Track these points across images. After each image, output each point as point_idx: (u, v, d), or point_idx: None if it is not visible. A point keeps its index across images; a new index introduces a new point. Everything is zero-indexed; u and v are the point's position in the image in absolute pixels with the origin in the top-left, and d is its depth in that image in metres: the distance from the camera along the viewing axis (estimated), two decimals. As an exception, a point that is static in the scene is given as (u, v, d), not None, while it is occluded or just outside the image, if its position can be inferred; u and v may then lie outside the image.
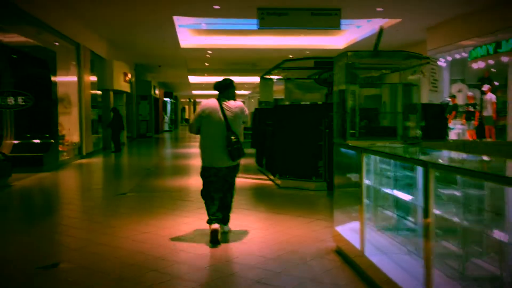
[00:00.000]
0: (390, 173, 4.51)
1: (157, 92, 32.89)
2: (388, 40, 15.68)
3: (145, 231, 5.98)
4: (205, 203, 5.59)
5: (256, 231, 5.99)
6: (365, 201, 4.39)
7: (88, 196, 9.15)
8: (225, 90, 5.54)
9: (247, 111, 5.73)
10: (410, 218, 4.27)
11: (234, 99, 5.67)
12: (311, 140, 9.07)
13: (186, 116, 64.27)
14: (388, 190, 4.39)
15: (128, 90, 22.38)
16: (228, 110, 5.43)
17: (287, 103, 18.00)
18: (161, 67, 27.30)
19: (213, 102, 5.47)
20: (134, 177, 11.54)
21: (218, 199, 5.54)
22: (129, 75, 22.08)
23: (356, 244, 4.45)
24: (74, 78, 15.44)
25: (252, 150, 13.82)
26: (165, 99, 39.78)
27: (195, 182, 10.33)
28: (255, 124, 12.61)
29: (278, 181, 9.61)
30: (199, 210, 7.22)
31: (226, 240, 5.57)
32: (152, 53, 22.58)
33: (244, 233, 5.93)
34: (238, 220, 6.50)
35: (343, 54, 4.96)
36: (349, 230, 5.01)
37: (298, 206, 7.63)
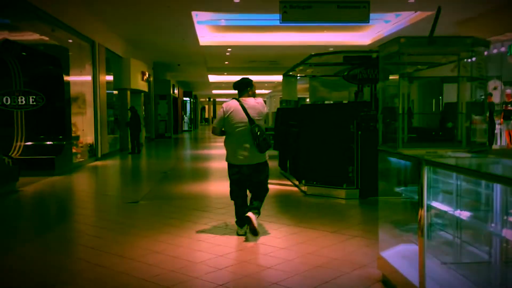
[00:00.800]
0: (451, 187, 3.60)
1: (176, 91, 32.23)
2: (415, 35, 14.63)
3: (156, 250, 5.14)
4: (234, 203, 5.78)
5: (281, 252, 5.11)
6: (426, 226, 3.46)
7: (97, 204, 8.38)
8: (245, 88, 5.61)
9: (266, 108, 5.75)
10: (480, 246, 3.36)
11: (254, 97, 5.69)
12: (340, 143, 8.15)
13: (206, 116, 63.70)
14: (449, 210, 3.48)
15: (146, 89, 21.69)
16: (249, 107, 5.46)
17: (307, 101, 16.99)
18: (180, 65, 26.58)
19: (234, 102, 5.53)
20: (149, 182, 10.76)
21: (244, 201, 5.70)
22: (147, 74, 21.38)
23: (412, 277, 3.54)
24: (89, 77, 14.75)
25: (274, 152, 12.94)
26: (185, 98, 39.13)
27: (215, 188, 9.50)
28: (277, 125, 11.72)
29: (304, 188, 8.72)
30: (218, 223, 6.37)
31: (246, 258, 4.70)
32: (171, 51, 21.85)
33: (266, 253, 5.05)
34: (260, 234, 5.63)
35: (393, 40, 4.04)
36: (398, 257, 4.10)
37: (329, 218, 6.72)
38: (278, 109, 11.69)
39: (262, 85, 38.88)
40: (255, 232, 5.38)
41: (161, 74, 27.58)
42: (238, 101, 5.52)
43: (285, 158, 10.74)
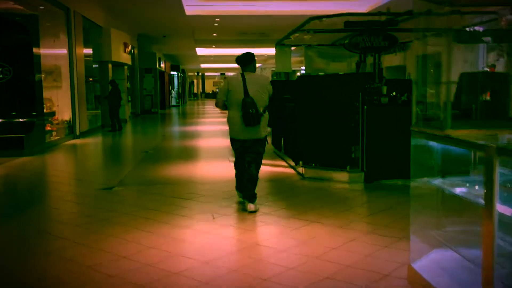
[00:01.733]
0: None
1: (162, 65, 30.84)
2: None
3: (123, 255, 4.11)
4: (236, 173, 5.87)
5: (280, 256, 4.10)
6: (495, 241, 2.43)
7: (64, 191, 7.25)
8: (248, 63, 5.56)
9: (270, 84, 5.71)
10: None
11: (254, 72, 5.69)
12: (344, 120, 7.10)
13: (195, 91, 62.26)
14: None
15: (129, 62, 20.39)
16: (251, 82, 5.42)
17: (298, 75, 15.83)
18: (166, 37, 25.16)
19: (237, 76, 5.49)
20: (128, 163, 9.68)
21: (245, 177, 5.65)
22: (130, 46, 20.04)
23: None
24: (64, 48, 13.46)
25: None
26: (172, 72, 37.71)
27: (201, 170, 8.45)
28: (270, 99, 10.59)
29: (302, 170, 7.71)
30: (204, 215, 5.33)
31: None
32: (156, 22, 20.46)
33: (262, 258, 4.04)
34: (251, 229, 4.63)
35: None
36: (435, 268, 3.11)
37: (333, 207, 5.72)
38: (270, 82, 10.55)
39: (252, 58, 37.57)
40: (254, 212, 5.47)
41: (146, 46, 26.17)
42: (242, 75, 5.47)
43: (280, 136, 9.69)
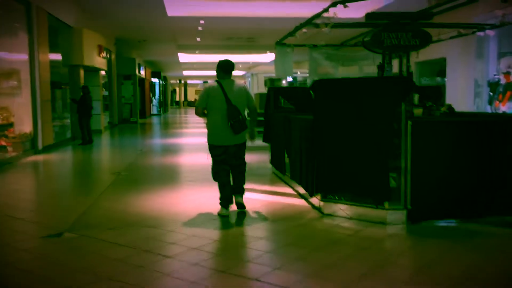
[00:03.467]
0: None
1: (142, 72, 28.70)
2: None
3: None
4: (218, 184, 5.61)
5: None
6: None
7: None
8: (231, 71, 5.56)
9: (249, 90, 5.64)
10: None
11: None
12: (380, 138, 5.17)
13: (177, 99, 60.04)
14: None
15: (104, 67, 18.23)
16: (230, 89, 5.42)
17: (289, 82, 13.83)
18: (146, 42, 23.08)
19: (215, 84, 5.46)
20: (93, 190, 7.58)
21: (228, 182, 5.60)
22: (105, 50, 17.89)
23: None
24: (25, 50, 11.32)
25: (258, 144, 9.96)
26: (153, 79, 35.54)
27: (186, 200, 6.40)
28: (268, 110, 8.67)
29: (319, 203, 5.75)
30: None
31: None
32: (135, 24, 18.42)
33: None
34: None
35: None
36: None
37: (381, 274, 3.76)
38: (269, 89, 8.62)
39: (236, 65, 35.70)
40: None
41: (125, 51, 24.04)
42: (219, 82, 5.47)
43: (281, 155, 7.72)
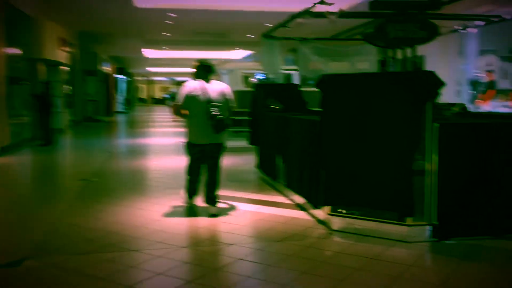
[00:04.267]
0: None
1: (107, 67, 27.31)
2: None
3: None
4: (189, 180, 5.65)
5: None
6: None
7: None
8: (210, 71, 5.52)
9: (230, 91, 5.59)
10: None
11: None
12: (401, 143, 4.41)
13: (142, 96, 58.33)
14: None
15: (66, 61, 16.94)
16: (211, 89, 5.41)
17: (269, 78, 13.08)
18: (112, 36, 21.77)
19: (195, 83, 5.45)
20: (57, 202, 6.55)
21: (198, 180, 5.66)
22: (68, 43, 16.62)
23: None
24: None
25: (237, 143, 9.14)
26: (118, 76, 34.06)
27: (167, 220, 5.47)
28: (256, 109, 7.85)
29: (326, 218, 4.97)
30: None
31: None
32: (100, 17, 17.18)
33: None
34: None
35: None
36: None
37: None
38: (257, 86, 7.81)
39: (205, 62, 34.52)
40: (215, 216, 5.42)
41: (89, 46, 22.64)
42: (200, 82, 5.43)
43: (273, 160, 6.90)
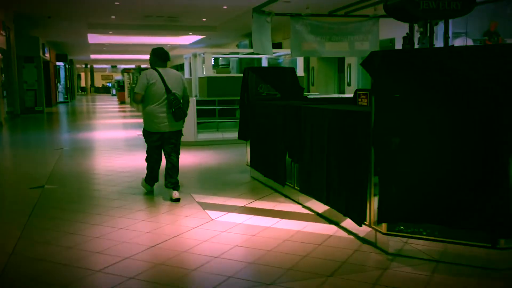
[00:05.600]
0: None
1: (47, 54, 24.86)
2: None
3: None
4: (148, 166, 5.72)
5: None
6: None
7: None
8: (165, 59, 5.57)
9: (185, 80, 5.70)
10: None
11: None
12: (494, 141, 3.31)
13: (83, 85, 55.04)
14: None
15: (3, 46, 14.82)
16: (168, 77, 5.45)
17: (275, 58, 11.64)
18: (51, 18, 19.54)
19: (154, 72, 5.45)
20: (8, 222, 5.01)
21: (158, 166, 5.72)
22: (2, 29, 14.48)
23: None
24: None
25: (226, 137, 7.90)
26: (58, 63, 31.40)
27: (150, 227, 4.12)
28: (246, 97, 6.57)
29: (372, 236, 3.82)
30: None
31: None
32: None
33: None
34: None
35: None
36: None
37: None
38: (246, 69, 6.51)
39: (150, 48, 32.54)
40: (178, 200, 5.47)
41: (26, 29, 20.29)
42: (157, 70, 5.45)
43: (276, 158, 5.67)
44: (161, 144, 5.55)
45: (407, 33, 5.56)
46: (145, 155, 5.75)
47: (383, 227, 3.72)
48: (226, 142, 10.12)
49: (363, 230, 3.99)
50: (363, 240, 4.00)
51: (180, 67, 34.31)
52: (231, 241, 4.07)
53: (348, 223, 4.20)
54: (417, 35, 6.13)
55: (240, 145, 9.21)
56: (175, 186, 5.51)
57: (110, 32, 24.67)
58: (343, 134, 4.14)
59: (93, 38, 27.01)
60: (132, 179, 6.75)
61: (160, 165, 5.68)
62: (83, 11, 18.11)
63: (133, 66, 40.55)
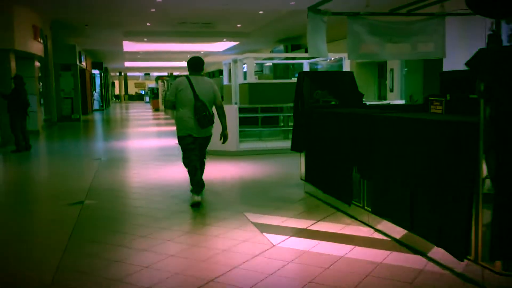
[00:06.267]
0: None
1: (83, 62, 24.85)
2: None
3: None
4: (189, 171, 5.62)
5: None
6: None
7: None
8: (200, 68, 5.70)
9: (216, 87, 5.76)
10: None
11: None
12: None
13: (117, 92, 55.51)
14: None
15: (41, 53, 14.63)
16: (198, 85, 5.54)
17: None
18: (88, 27, 19.40)
19: (184, 79, 5.60)
20: (43, 244, 4.50)
21: (199, 167, 5.65)
22: (40, 35, 14.29)
23: None
24: None
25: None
26: (93, 71, 31.52)
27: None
28: (302, 104, 5.92)
29: (472, 272, 3.11)
30: None
31: None
32: (76, 3, 14.91)
33: None
34: None
35: None
36: None
37: None
38: (301, 74, 5.87)
39: (185, 56, 32.39)
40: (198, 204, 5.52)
41: (63, 38, 20.23)
42: (188, 78, 5.58)
43: (340, 174, 5.00)
44: (195, 148, 5.58)
45: (492, 31, 4.83)
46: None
47: (496, 265, 3.01)
48: (269, 152, 9.50)
49: (460, 264, 3.28)
50: (463, 277, 3.29)
51: (211, 75, 33.95)
52: (302, 275, 3.43)
53: (439, 253, 3.50)
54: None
55: (285, 155, 8.59)
56: (201, 188, 5.59)
57: (145, 39, 24.51)
58: (437, 148, 3.44)
59: (128, 46, 26.92)
60: (177, 193, 6.20)
61: (198, 167, 5.59)
62: (120, 18, 17.87)
63: (165, 73, 40.53)
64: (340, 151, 4.95)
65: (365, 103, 6.26)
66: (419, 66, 13.57)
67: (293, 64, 18.19)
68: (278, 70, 20.19)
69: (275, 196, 5.99)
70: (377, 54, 6.49)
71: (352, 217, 4.86)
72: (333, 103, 5.96)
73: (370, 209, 4.50)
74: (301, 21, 15.28)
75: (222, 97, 14.18)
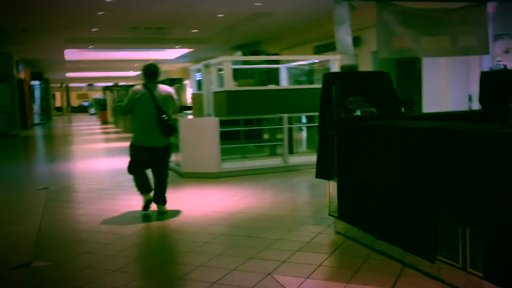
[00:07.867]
0: None
1: (21, 72, 22.20)
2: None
3: None
4: (134, 178, 5.64)
5: None
6: None
7: None
8: (154, 75, 5.57)
9: (176, 95, 5.71)
10: None
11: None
12: None
13: (58, 105, 51.83)
14: None
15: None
16: (157, 93, 5.47)
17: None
18: (26, 32, 17.01)
19: (143, 88, 5.50)
20: None
21: (144, 174, 5.61)
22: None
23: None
24: None
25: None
26: (33, 82, 28.61)
27: None
28: (330, 116, 4.38)
29: None
30: None
31: None
32: (13, 5, 12.73)
33: None
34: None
35: None
36: None
37: None
38: (328, 76, 4.35)
39: (131, 65, 30.22)
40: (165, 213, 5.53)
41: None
42: (148, 87, 5.47)
43: (403, 212, 3.49)
44: (147, 160, 5.49)
45: None
46: None
47: None
48: (258, 172, 7.88)
49: None
50: None
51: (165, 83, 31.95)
52: None
53: None
54: None
55: (278, 176, 7.07)
56: (163, 201, 5.54)
57: (91, 46, 22.28)
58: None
59: (70, 55, 24.52)
60: (169, 242, 4.46)
61: (146, 174, 5.58)
62: (62, 22, 15.74)
63: (111, 83, 37.96)
64: (411, 184, 3.43)
65: (403, 113, 4.79)
66: (391, 65, 12.46)
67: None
68: (256, 74, 18.40)
69: (299, 241, 4.35)
70: (412, 50, 5.11)
71: (435, 278, 3.35)
72: (370, 110, 4.46)
73: (480, 274, 3.00)
74: (260, 26, 13.99)
75: (189, 107, 12.31)
